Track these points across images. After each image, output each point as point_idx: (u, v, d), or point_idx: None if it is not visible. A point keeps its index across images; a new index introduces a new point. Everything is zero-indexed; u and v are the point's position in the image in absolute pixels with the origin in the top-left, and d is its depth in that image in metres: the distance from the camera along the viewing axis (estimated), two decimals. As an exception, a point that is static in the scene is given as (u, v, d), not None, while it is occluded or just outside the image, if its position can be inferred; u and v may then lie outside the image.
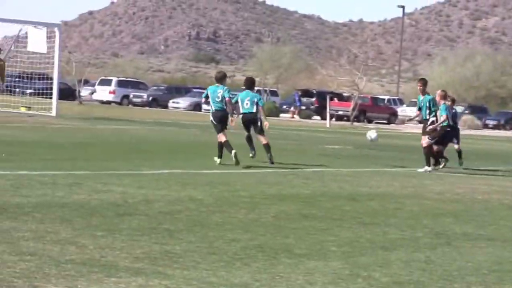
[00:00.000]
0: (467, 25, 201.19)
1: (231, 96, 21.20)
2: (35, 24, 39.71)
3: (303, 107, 69.08)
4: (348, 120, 62.29)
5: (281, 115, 66.93)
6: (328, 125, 53.30)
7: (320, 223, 12.57)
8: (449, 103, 22.29)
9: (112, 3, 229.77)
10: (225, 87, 20.98)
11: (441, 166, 22.75)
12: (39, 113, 38.63)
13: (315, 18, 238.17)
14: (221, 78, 21.55)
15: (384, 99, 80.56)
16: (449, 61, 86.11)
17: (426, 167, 21.44)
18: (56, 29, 39.68)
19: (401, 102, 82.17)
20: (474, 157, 28.84)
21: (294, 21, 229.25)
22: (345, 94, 72.33)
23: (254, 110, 21.27)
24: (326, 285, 8.42)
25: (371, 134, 24.68)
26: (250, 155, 21.51)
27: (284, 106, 72.36)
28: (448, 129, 22.08)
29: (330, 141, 35.55)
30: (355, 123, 61.82)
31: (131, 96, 73.00)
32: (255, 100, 21.42)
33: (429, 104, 21.17)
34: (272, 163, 20.66)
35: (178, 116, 55.29)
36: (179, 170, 19.09)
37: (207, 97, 21.36)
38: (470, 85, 78.38)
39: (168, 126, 40.90)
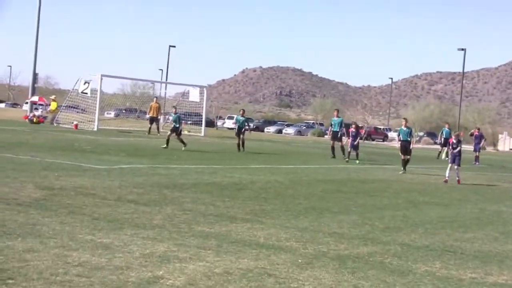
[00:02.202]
0: (426, 88, 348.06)
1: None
2: (193, 86, 66.24)
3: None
4: (361, 139, 79.45)
5: (325, 136, 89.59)
6: (358, 143, 72.93)
7: (345, 194, 20.15)
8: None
9: (235, 75, 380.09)
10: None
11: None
12: (195, 134, 59.86)
13: (344, 84, 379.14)
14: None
15: (381, 128, 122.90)
16: (416, 108, 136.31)
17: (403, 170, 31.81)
18: (204, 88, 66.72)
19: (389, 129, 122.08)
20: (429, 160, 45.98)
21: (332, 85, 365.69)
22: (360, 125, 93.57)
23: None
24: (349, 229, 13.92)
25: None
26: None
27: (326, 131, 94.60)
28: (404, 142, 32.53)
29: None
30: (365, 141, 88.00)
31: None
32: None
33: (410, 132, 32.74)
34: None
35: (270, 137, 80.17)
36: (270, 165, 28.99)
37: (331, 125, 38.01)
38: (427, 120, 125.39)
39: (264, 141, 58.70)
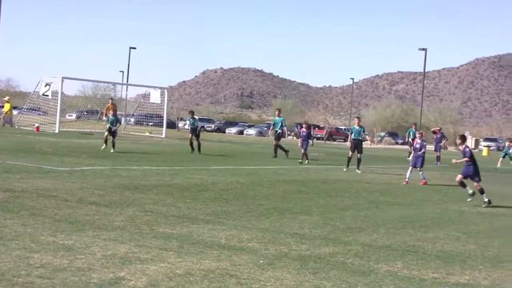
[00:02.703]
0: (387, 88, 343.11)
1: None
2: (154, 87, 65.39)
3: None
4: (322, 139, 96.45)
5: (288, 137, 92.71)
6: (311, 142, 73.51)
7: (307, 195, 20.25)
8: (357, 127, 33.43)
9: (196, 76, 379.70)
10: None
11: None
12: (156, 135, 59.89)
13: (305, 84, 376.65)
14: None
15: (342, 128, 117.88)
16: (378, 108, 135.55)
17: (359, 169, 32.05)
18: (165, 90, 65.89)
19: (349, 130, 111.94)
20: (391, 160, 46.71)
21: (293, 86, 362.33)
22: (321, 125, 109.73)
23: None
24: (310, 229, 13.98)
25: None
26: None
27: (288, 132, 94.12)
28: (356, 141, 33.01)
29: (313, 151, 48.16)
30: (327, 141, 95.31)
31: (205, 126, 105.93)
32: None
33: (362, 131, 33.24)
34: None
35: (231, 138, 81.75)
36: (231, 166, 28.93)
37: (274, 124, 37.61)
38: (388, 120, 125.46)
39: (225, 142, 59.18)
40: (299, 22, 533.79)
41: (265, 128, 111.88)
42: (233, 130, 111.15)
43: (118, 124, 35.81)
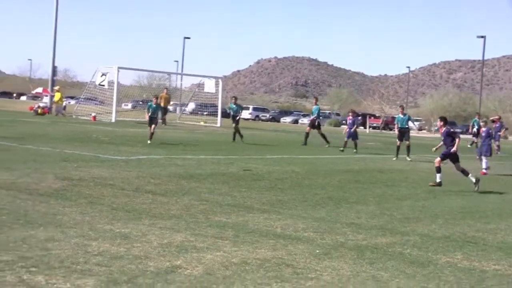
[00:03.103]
0: (445, 77, 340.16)
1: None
2: (208, 77, 65.86)
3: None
4: (378, 128, 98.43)
5: (342, 126, 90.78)
6: (367, 131, 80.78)
7: (363, 185, 20.10)
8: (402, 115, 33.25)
9: (250, 66, 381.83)
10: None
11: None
12: (210, 125, 60.27)
13: (360, 73, 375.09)
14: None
15: None
16: (434, 97, 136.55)
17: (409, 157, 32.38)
18: (219, 80, 66.54)
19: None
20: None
21: (349, 75, 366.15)
22: (377, 115, 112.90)
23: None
24: (367, 219, 13.88)
25: None
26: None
27: (343, 121, 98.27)
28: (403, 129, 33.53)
29: (369, 140, 49.68)
30: (383, 130, 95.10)
31: (260, 115, 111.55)
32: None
33: (408, 119, 33.73)
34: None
35: (286, 127, 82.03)
36: (286, 156, 28.92)
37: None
38: (446, 110, 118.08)
39: (280, 132, 59.03)
40: (353, 10, 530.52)
41: (320, 117, 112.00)
42: (288, 119, 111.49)
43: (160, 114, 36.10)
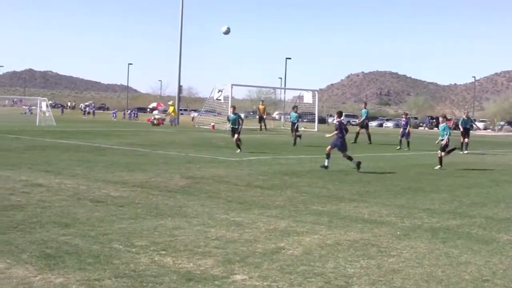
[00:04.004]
0: (505, 84, 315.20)
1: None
2: (307, 90, 66.13)
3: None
4: (450, 129, 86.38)
5: (419, 128, 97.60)
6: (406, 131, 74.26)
7: (436, 176, 19.52)
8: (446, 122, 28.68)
9: (341, 80, 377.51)
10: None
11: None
12: (309, 130, 58.62)
13: (434, 83, 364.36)
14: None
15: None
16: (497, 101, 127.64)
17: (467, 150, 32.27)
18: (316, 92, 66.76)
19: (474, 120, 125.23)
20: (509, 145, 44.18)
21: (424, 85, 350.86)
22: (448, 117, 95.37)
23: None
24: (440, 205, 13.55)
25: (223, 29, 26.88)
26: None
27: (421, 124, 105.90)
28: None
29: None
30: (453, 130, 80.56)
31: (351, 121, 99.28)
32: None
33: (470, 120, 34.33)
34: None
35: (372, 130, 67.51)
36: (372, 154, 28.66)
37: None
38: (507, 112, 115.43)
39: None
40: (429, 25, 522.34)
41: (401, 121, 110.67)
42: (373, 123, 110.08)
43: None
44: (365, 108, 41.52)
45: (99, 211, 11.19)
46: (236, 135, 27.11)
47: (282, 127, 63.05)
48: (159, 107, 70.32)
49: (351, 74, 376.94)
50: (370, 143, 38.06)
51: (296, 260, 8.26)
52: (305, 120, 69.36)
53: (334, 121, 21.80)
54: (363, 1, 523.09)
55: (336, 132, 20.94)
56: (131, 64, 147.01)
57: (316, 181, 17.04)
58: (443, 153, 22.67)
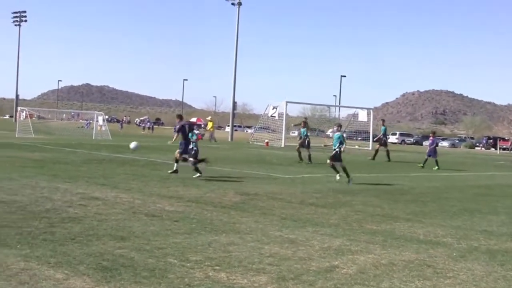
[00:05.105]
0: None
1: None
2: (361, 108, 65.04)
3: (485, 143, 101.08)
4: (507, 149, 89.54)
5: (476, 148, 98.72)
6: (498, 152, 77.49)
7: (494, 197, 19.17)
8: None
9: (396, 98, 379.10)
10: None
11: None
12: (363, 148, 58.90)
13: (491, 103, 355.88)
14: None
15: None
16: None
17: None
18: (371, 110, 65.07)
19: None
20: None
21: (481, 104, 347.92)
22: (506, 138, 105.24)
23: None
24: (498, 227, 13.34)
25: (131, 144, 25.77)
26: None
27: (477, 143, 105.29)
28: None
29: (499, 159, 48.89)
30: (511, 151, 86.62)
31: (406, 140, 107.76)
32: None
33: None
34: None
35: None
36: (427, 174, 28.21)
37: None
38: None
39: (422, 153, 48.85)
40: (487, 45, 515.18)
41: (457, 141, 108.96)
42: (428, 143, 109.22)
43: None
44: (383, 125, 41.22)
45: (154, 225, 11.32)
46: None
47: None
48: (198, 122, 71.01)
49: (406, 92, 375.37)
50: (389, 160, 37.47)
51: (350, 279, 8.22)
52: (359, 138, 69.05)
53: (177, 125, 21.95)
54: (418, 20, 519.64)
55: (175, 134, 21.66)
56: (186, 80, 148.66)
57: (370, 200, 16.92)
58: None
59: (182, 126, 21.41)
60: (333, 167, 21.69)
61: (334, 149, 21.55)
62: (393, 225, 12.91)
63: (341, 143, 21.49)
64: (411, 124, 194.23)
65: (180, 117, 22.26)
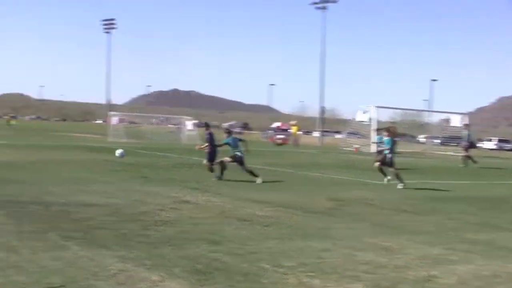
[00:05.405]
0: None
1: None
2: (454, 113, 63.29)
3: None
4: None
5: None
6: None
7: None
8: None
9: (491, 103, 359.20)
10: None
11: None
12: (456, 154, 51.84)
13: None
14: None
15: None
16: None
17: None
18: (466, 116, 61.10)
19: None
20: None
21: None
22: None
23: None
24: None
25: (117, 152, 26.84)
26: None
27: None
28: None
29: None
30: None
31: (503, 146, 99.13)
32: None
33: None
34: None
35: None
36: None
37: None
38: None
39: None
40: None
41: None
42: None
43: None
44: (467, 130, 39.95)
45: (246, 229, 11.32)
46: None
47: (430, 152, 61.73)
48: (282, 127, 71.54)
49: (502, 97, 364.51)
50: (465, 166, 36.30)
51: (451, 289, 7.96)
52: (452, 144, 67.69)
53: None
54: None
55: (206, 144, 21.88)
56: (273, 84, 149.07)
57: (466, 207, 16.44)
58: None
59: (210, 135, 21.83)
60: (381, 170, 21.76)
61: (385, 154, 21.15)
62: (493, 234, 12.45)
63: (390, 148, 21.09)
64: (510, 129, 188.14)
65: (228, 131, 22.48)
